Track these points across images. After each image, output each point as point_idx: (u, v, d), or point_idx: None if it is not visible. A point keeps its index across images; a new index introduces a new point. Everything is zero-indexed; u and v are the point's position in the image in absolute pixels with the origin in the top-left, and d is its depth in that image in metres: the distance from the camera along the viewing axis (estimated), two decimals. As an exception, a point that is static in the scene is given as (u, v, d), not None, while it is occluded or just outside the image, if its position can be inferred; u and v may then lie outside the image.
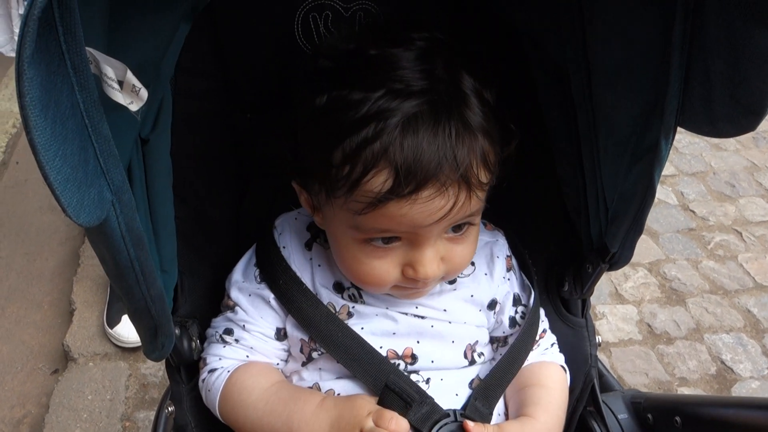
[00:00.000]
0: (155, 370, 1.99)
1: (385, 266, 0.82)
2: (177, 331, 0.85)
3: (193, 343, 0.89)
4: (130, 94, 0.60)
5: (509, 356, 0.91)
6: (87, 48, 0.49)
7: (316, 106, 0.78)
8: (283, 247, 0.92)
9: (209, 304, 0.96)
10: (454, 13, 1.01)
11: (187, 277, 0.90)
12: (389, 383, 0.82)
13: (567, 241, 1.01)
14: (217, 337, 0.91)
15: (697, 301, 2.30)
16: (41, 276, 2.37)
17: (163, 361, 0.91)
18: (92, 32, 0.53)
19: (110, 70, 0.57)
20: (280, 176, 0.90)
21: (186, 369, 0.91)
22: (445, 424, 0.83)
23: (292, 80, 0.91)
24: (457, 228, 0.82)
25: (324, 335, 0.86)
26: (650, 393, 0.97)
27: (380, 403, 0.82)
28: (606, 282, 2.36)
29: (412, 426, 0.82)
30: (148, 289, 0.67)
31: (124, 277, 0.64)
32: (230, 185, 1.04)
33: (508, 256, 0.99)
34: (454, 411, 0.84)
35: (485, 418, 0.86)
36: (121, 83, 0.59)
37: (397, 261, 0.81)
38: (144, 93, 0.62)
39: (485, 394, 0.87)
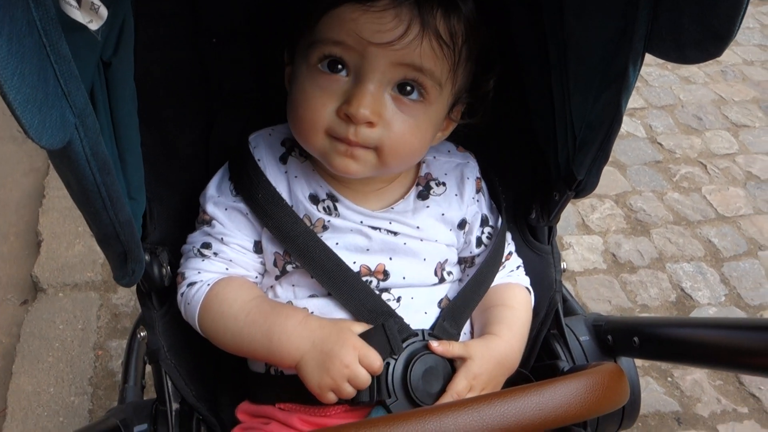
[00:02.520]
0: (126, 300, 1.99)
1: (325, 98, 0.83)
2: (147, 258, 0.85)
3: (164, 270, 0.90)
4: (88, 12, 0.58)
5: (476, 277, 0.94)
6: (41, -38, 0.47)
7: None
8: (258, 160, 0.93)
9: (179, 232, 0.96)
10: None
11: (156, 204, 0.90)
12: (386, 327, 0.83)
13: (535, 169, 1.03)
14: (195, 251, 0.92)
15: (660, 232, 2.36)
16: (6, 207, 2.33)
17: (135, 288, 0.91)
18: None
19: (67, -14, 0.54)
20: (249, 105, 0.89)
21: (157, 295, 0.92)
22: (412, 342, 0.85)
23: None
24: (404, 88, 0.83)
25: (300, 249, 0.87)
26: (611, 316, 1.01)
27: (366, 337, 0.83)
28: (573, 213, 2.40)
29: None
30: (115, 214, 0.66)
31: (91, 202, 0.63)
32: (198, 112, 1.01)
33: (478, 177, 1.01)
34: (423, 331, 0.86)
35: (453, 338, 0.88)
36: (79, 1, 0.57)
37: (337, 95, 0.82)
38: (103, 11, 0.59)
39: (453, 314, 0.90)
